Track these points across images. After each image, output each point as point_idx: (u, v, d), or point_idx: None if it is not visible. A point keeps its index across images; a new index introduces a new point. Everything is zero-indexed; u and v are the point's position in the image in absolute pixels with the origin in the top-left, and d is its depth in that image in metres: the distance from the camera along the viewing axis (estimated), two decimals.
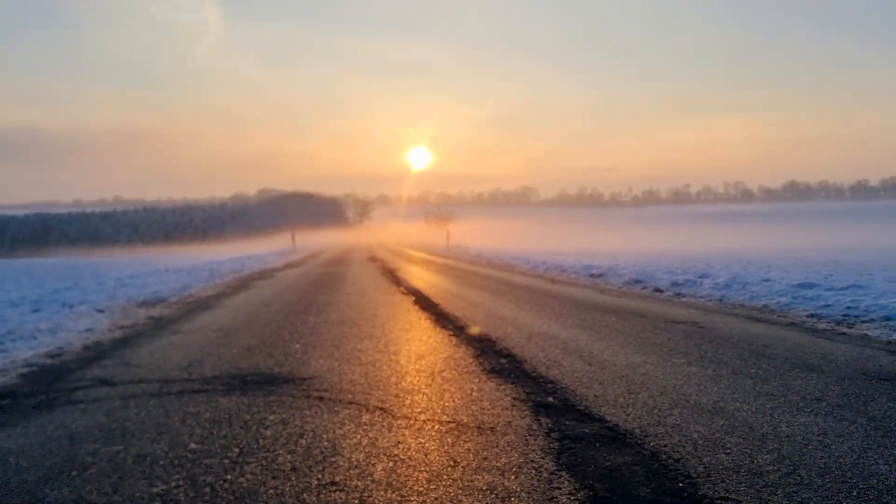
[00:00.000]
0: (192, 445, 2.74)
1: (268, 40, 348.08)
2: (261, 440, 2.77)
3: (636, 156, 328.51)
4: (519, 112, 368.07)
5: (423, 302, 7.80)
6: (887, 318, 6.38)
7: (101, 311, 8.15)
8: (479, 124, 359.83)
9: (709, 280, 10.38)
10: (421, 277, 12.60)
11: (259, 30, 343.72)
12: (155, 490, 2.28)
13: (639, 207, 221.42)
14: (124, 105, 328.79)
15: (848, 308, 7.05)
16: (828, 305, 7.34)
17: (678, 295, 9.42)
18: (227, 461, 2.53)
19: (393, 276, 12.91)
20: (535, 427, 2.87)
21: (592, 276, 13.31)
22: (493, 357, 4.43)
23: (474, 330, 5.55)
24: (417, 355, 4.54)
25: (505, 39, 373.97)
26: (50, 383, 4.01)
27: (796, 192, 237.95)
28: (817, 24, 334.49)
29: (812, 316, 6.76)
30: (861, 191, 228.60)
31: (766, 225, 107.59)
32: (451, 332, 5.47)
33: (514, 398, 3.36)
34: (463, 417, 3.04)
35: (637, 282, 11.41)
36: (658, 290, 10.25)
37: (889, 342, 5.02)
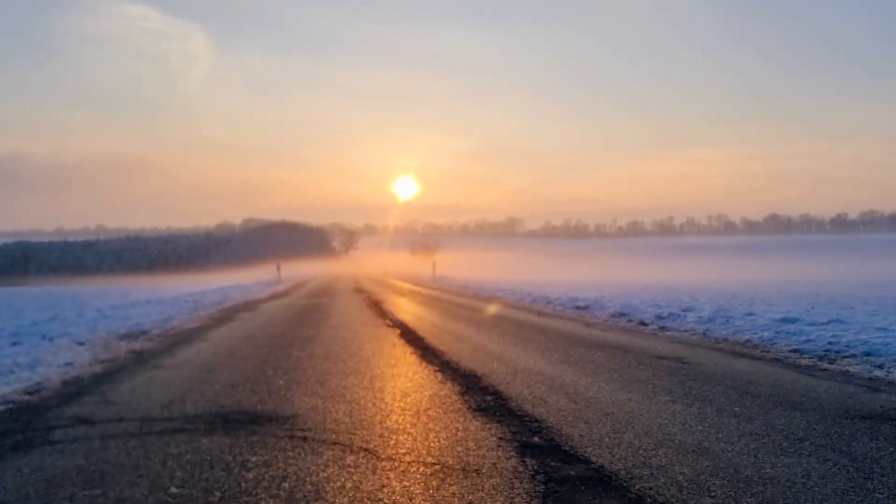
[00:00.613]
0: (173, 489, 2.69)
1: (256, 70, 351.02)
2: (243, 483, 2.73)
3: (621, 188, 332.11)
4: (505, 143, 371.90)
5: (409, 335, 7.77)
6: (868, 354, 6.45)
7: (81, 343, 8.03)
8: (466, 155, 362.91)
9: (693, 314, 10.46)
10: (407, 309, 12.57)
11: (247, 59, 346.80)
12: None
13: (623, 239, 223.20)
14: (110, 134, 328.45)
15: (829, 343, 7.12)
16: (809, 340, 7.41)
17: (662, 328, 9.46)
18: None
19: (378, 308, 12.87)
20: (520, 469, 2.85)
21: (578, 308, 13.34)
22: (479, 394, 4.41)
23: (461, 365, 5.53)
24: (403, 392, 4.51)
25: (491, 71, 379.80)
26: (27, 422, 3.93)
27: (778, 224, 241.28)
28: (796, 61, 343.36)
29: (794, 351, 6.81)
30: (841, 224, 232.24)
31: (749, 257, 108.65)
32: (437, 368, 5.44)
33: (499, 438, 3.34)
34: (448, 459, 3.01)
35: (622, 315, 11.45)
36: (643, 323, 10.30)
37: (870, 379, 5.07)
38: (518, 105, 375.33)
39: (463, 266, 65.96)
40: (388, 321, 9.88)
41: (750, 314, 9.87)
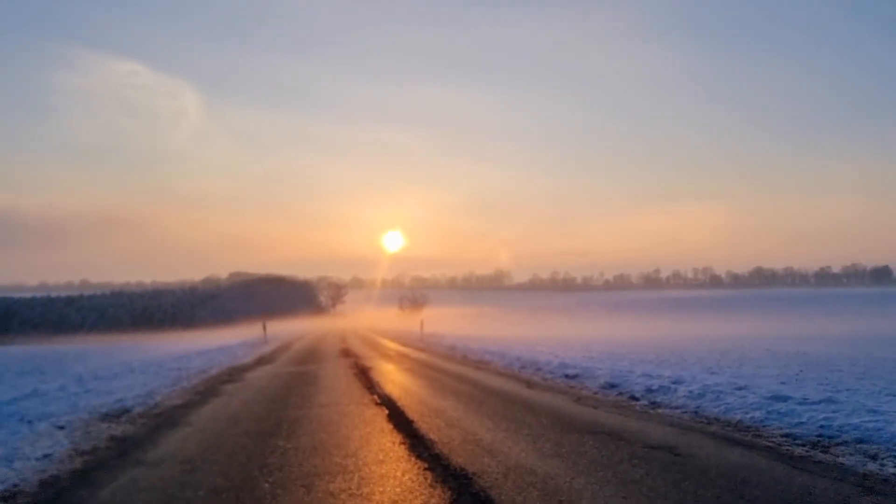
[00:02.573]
0: None
1: (244, 124, 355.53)
2: None
3: (607, 240, 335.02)
4: (492, 197, 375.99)
5: (398, 418, 7.65)
6: (860, 441, 6.41)
7: (61, 427, 7.83)
8: (453, 208, 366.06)
9: (683, 386, 10.39)
10: (395, 380, 12.41)
11: (236, 115, 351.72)
12: None
13: (610, 292, 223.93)
14: (97, 188, 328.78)
15: (821, 427, 7.08)
16: (801, 423, 7.37)
17: (653, 404, 9.39)
18: None
19: (366, 379, 12.70)
20: None
21: (567, 377, 13.23)
22: (470, 501, 4.31)
23: (451, 461, 5.42)
24: (392, 501, 4.39)
25: (478, 127, 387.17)
26: None
27: (763, 278, 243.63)
28: (780, 118, 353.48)
29: (787, 436, 6.76)
30: (824, 277, 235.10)
31: (735, 312, 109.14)
32: (427, 465, 5.33)
33: None
34: None
35: (612, 386, 11.37)
36: (633, 397, 10.22)
37: (864, 476, 5.02)
38: (505, 159, 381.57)
39: (451, 323, 65.68)
40: (375, 397, 9.73)
41: (740, 389, 9.82)
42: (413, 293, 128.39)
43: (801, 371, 17.74)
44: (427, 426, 7.11)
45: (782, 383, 14.55)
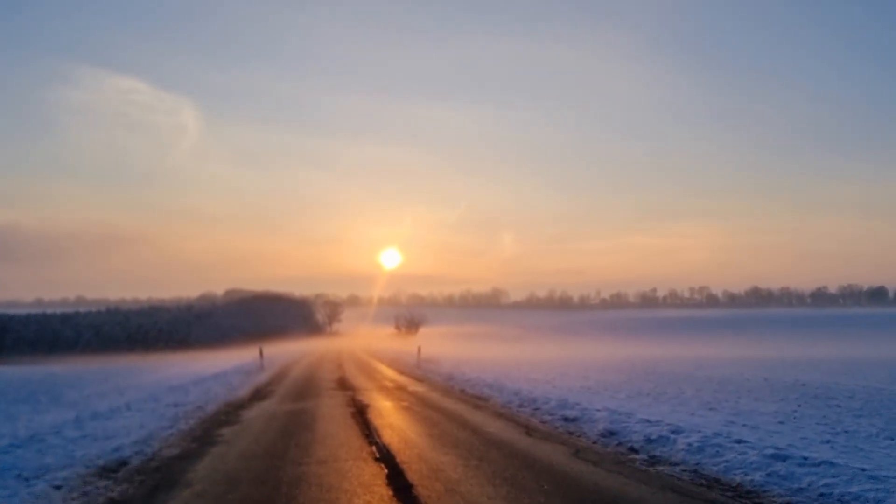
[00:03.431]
0: None
1: (243, 141, 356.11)
2: None
3: (604, 259, 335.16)
4: (490, 215, 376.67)
5: (397, 480, 7.63)
6: None
7: (58, 487, 7.78)
8: (450, 226, 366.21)
9: (682, 438, 10.36)
10: (393, 424, 12.38)
11: (235, 131, 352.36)
12: None
13: (607, 311, 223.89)
14: (94, 204, 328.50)
15: (821, 496, 7.10)
16: (801, 489, 7.38)
17: (652, 459, 9.38)
18: None
19: (364, 421, 12.69)
20: None
21: (566, 419, 13.19)
22: None
23: None
24: None
25: (476, 145, 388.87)
26: None
27: (759, 297, 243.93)
28: (777, 138, 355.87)
29: None
30: (821, 297, 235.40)
31: (732, 334, 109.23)
32: None
33: None
34: None
35: (611, 434, 11.36)
36: (633, 448, 10.22)
37: None
38: (503, 177, 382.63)
39: (448, 345, 65.54)
40: (374, 449, 9.71)
41: (739, 442, 9.79)
42: (410, 312, 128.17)
43: (800, 406, 17.76)
44: (427, 491, 7.09)
45: (780, 423, 14.59)
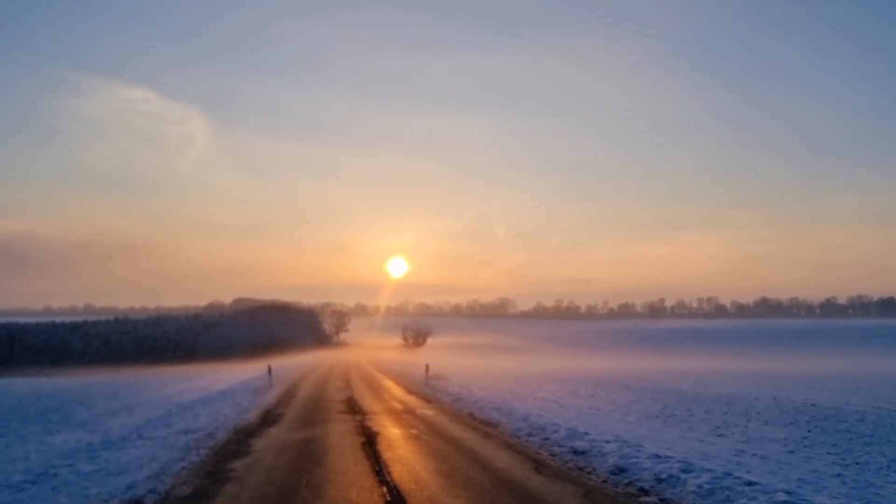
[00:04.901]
0: None
1: (251, 151, 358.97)
2: None
3: (612, 268, 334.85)
4: (496, 224, 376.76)
5: None
6: None
7: None
8: (457, 235, 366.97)
9: (692, 478, 10.36)
10: (403, 458, 12.45)
11: (243, 141, 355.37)
12: None
13: (615, 321, 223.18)
14: (103, 213, 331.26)
15: None
16: None
17: (663, 502, 9.41)
18: None
19: (374, 454, 12.76)
20: None
21: (576, 453, 13.20)
22: None
23: None
24: None
25: (484, 155, 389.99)
26: None
27: (768, 308, 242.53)
28: (786, 148, 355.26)
29: None
30: (830, 308, 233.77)
31: (739, 347, 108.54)
32: None
33: None
34: None
35: (622, 471, 11.36)
36: (643, 489, 10.23)
37: None
38: (510, 186, 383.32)
39: (455, 359, 65.45)
40: (385, 490, 9.77)
41: (749, 485, 9.78)
42: (417, 323, 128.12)
43: (809, 432, 17.72)
44: None
45: (790, 452, 14.58)
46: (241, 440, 15.25)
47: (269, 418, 19.44)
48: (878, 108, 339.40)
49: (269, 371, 33.57)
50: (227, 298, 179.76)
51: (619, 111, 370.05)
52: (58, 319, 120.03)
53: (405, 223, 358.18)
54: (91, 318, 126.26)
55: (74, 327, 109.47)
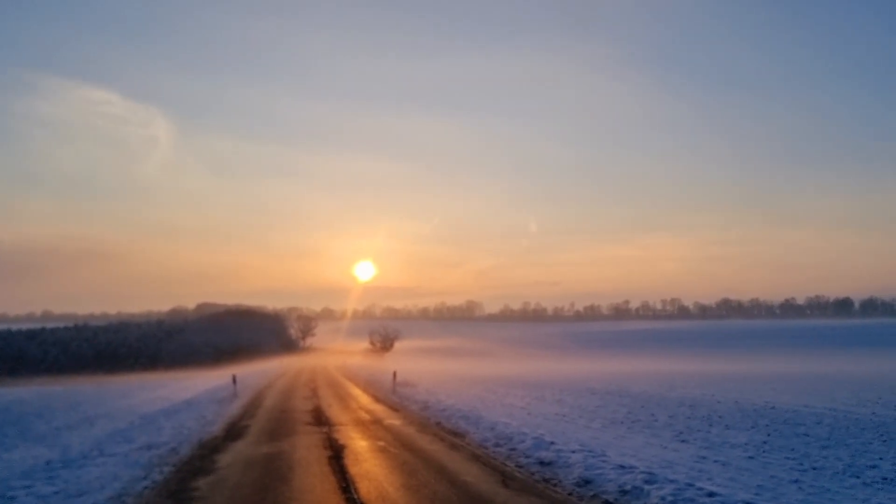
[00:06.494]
0: None
1: (215, 154, 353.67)
2: None
3: (579, 270, 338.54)
4: (464, 227, 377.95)
5: None
6: None
7: None
8: (426, 238, 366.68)
9: (655, 490, 10.56)
10: (370, 473, 12.41)
11: (208, 144, 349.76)
12: None
13: (581, 323, 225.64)
14: (62, 218, 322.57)
15: None
16: None
17: None
18: None
19: (340, 468, 12.69)
20: None
21: (542, 464, 13.31)
22: None
23: None
24: None
25: (451, 158, 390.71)
26: None
27: (729, 309, 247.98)
28: (747, 151, 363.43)
29: None
30: (789, 309, 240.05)
31: (702, 348, 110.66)
32: None
33: None
34: None
35: (587, 482, 11.52)
36: (607, 502, 10.38)
37: None
38: (478, 190, 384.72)
39: (422, 364, 65.39)
40: None
41: (711, 495, 10.00)
42: (384, 327, 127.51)
43: (769, 437, 18.17)
44: None
45: (750, 457, 14.95)
46: (205, 455, 15.01)
47: (234, 431, 19.17)
48: (834, 113, 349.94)
49: (234, 380, 33.09)
50: (190, 304, 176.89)
51: (585, 115, 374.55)
52: (14, 327, 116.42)
53: (373, 226, 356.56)
54: (49, 324, 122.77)
55: (32, 335, 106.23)
